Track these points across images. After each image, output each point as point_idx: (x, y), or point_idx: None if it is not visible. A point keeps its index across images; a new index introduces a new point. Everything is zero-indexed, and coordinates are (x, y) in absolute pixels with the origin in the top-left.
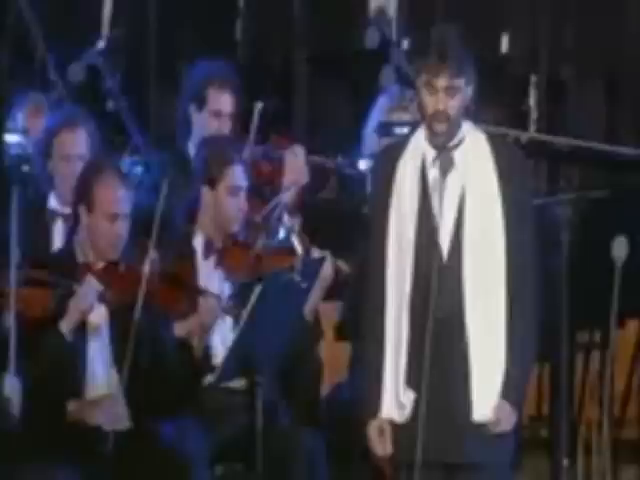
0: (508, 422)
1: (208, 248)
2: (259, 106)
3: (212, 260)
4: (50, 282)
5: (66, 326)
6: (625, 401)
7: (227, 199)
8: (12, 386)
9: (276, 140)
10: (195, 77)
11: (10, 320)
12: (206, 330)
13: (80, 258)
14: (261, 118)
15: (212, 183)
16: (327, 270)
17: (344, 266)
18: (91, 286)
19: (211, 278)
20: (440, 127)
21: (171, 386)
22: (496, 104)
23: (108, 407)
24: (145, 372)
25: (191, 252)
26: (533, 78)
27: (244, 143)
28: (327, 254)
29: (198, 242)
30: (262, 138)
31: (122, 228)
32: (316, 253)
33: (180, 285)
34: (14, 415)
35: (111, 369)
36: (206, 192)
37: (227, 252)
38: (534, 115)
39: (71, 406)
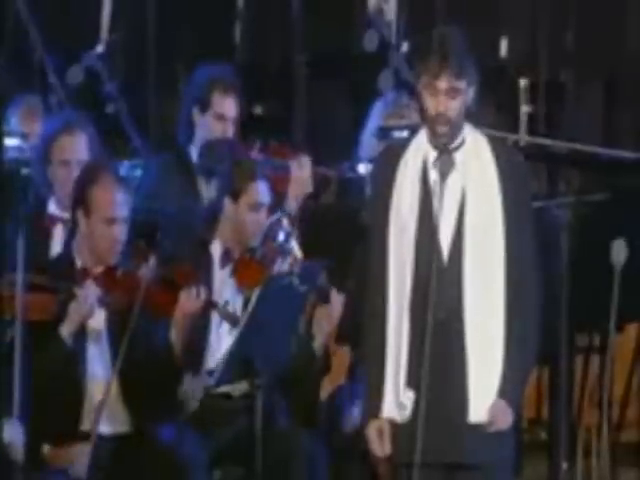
0: (504, 421)
1: (225, 257)
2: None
3: (227, 269)
4: (51, 286)
5: (66, 330)
6: (624, 404)
7: (249, 214)
8: (15, 432)
9: (277, 149)
10: (199, 80)
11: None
12: (186, 322)
13: (78, 263)
14: (260, 121)
15: (235, 196)
16: (336, 310)
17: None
18: (91, 290)
19: (225, 286)
20: (442, 129)
21: (167, 390)
22: (495, 107)
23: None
24: (141, 376)
25: (208, 259)
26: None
27: (247, 147)
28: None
29: (216, 250)
30: (261, 142)
31: (120, 232)
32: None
33: (178, 290)
34: (17, 462)
35: (111, 373)
36: (228, 204)
37: (243, 265)
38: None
39: (45, 449)
